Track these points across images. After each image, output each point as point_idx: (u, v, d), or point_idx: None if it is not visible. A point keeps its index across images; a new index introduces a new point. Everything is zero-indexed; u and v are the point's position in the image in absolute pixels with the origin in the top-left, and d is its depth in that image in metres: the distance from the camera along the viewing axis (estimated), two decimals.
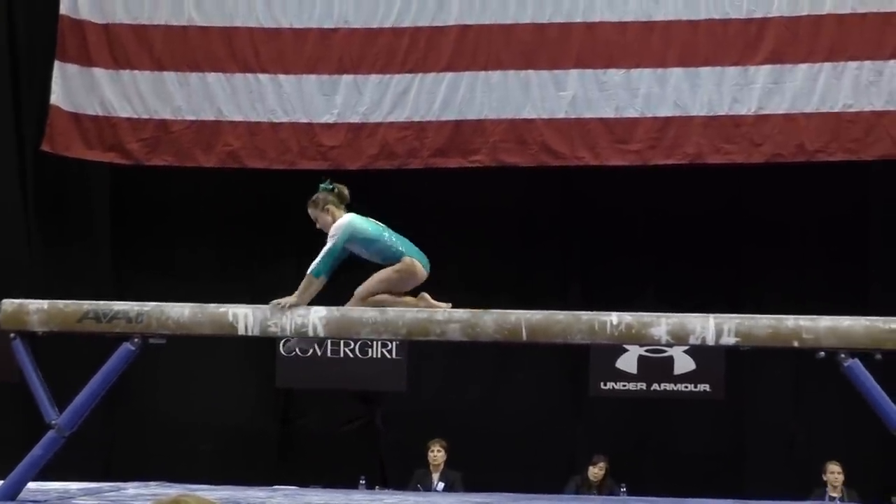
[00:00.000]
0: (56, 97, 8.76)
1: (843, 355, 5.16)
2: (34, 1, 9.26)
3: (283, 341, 5.68)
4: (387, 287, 5.39)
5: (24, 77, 9.32)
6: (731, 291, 9.21)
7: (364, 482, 8.71)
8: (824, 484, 8.57)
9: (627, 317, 5.23)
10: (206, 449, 9.36)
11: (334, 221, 5.39)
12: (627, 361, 9.30)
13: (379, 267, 5.47)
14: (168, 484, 6.77)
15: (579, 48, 8.57)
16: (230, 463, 9.19)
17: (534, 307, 5.40)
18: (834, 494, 8.51)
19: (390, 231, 5.51)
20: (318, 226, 5.50)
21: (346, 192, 5.52)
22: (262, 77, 8.76)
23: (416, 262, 5.42)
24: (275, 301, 5.33)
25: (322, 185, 5.50)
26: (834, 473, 8.50)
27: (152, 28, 8.78)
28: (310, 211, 5.50)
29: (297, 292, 5.32)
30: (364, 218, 5.49)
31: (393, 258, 5.42)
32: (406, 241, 5.50)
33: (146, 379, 8.80)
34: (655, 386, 9.33)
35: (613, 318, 5.22)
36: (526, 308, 5.37)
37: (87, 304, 5.42)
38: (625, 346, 8.95)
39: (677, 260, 9.35)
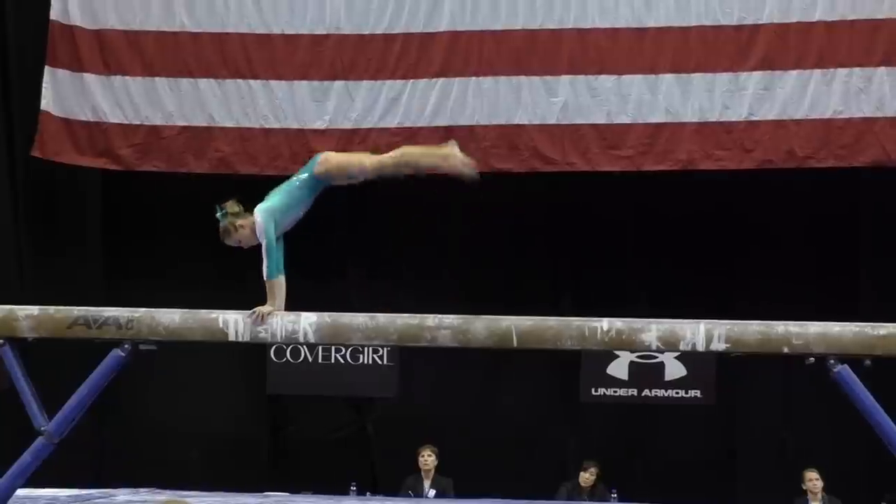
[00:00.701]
0: (47, 103, 8.75)
1: (832, 361, 5.17)
2: (24, 6, 9.25)
3: None
4: (356, 160, 5.49)
5: (15, 82, 9.31)
6: (722, 297, 9.22)
7: (355, 488, 8.70)
8: (804, 493, 8.55)
9: (618, 323, 5.23)
10: (194, 456, 9.34)
11: (251, 229, 5.37)
12: (618, 367, 9.32)
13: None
14: (158, 490, 6.76)
15: (571, 54, 8.60)
16: (221, 469, 9.17)
17: (525, 313, 5.41)
18: (815, 503, 8.50)
19: (287, 182, 5.48)
20: (244, 246, 5.47)
21: (235, 203, 5.47)
22: (254, 83, 8.77)
23: (319, 155, 5.42)
24: (251, 311, 5.33)
25: (218, 216, 5.45)
26: (812, 481, 8.49)
27: (143, 34, 8.78)
28: (227, 242, 5.47)
29: (268, 300, 5.32)
30: (267, 197, 5.45)
31: (313, 186, 5.40)
32: (296, 175, 5.48)
33: (137, 385, 8.77)
34: (646, 392, 9.34)
35: (604, 323, 5.23)
36: (517, 314, 5.38)
37: (77, 310, 5.41)
38: (616, 352, 8.96)
39: (668, 266, 9.37)
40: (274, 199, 5.43)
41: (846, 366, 5.18)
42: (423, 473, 8.88)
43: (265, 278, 5.32)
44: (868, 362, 5.21)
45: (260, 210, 5.39)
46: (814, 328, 5.20)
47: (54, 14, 8.77)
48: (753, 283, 9.36)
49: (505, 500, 7.18)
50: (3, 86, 9.28)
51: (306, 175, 5.43)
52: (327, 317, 5.37)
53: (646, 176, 8.69)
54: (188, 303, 5.62)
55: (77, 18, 8.78)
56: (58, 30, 8.77)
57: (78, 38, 8.76)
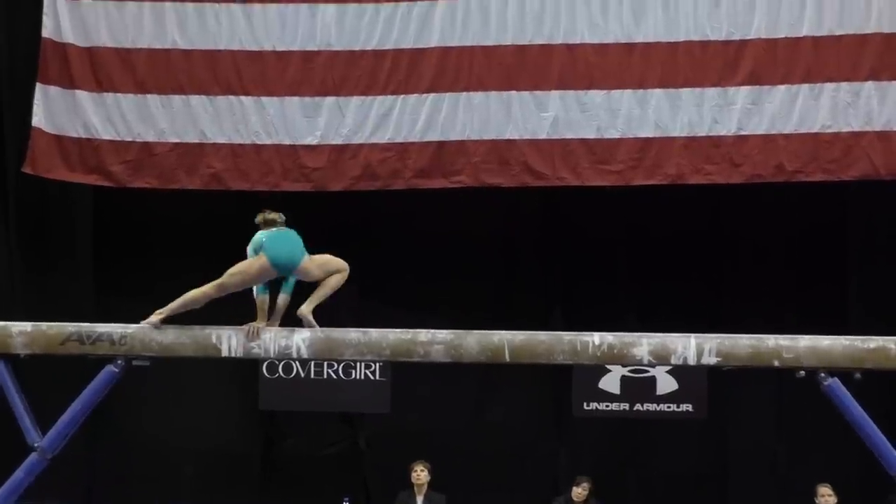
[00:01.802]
0: (38, 119, 8.75)
1: (822, 375, 5.21)
2: (16, 23, 9.27)
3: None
4: (240, 279, 5.44)
5: (6, 99, 9.32)
6: (713, 311, 9.27)
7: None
8: None
9: (609, 337, 5.26)
10: (188, 472, 9.32)
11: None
12: (610, 382, 9.33)
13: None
14: None
15: (560, 69, 8.64)
16: (213, 485, 9.16)
17: (517, 328, 5.43)
18: None
19: (283, 230, 5.55)
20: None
21: (279, 217, 5.65)
22: (246, 99, 8.79)
23: (260, 259, 5.46)
24: (244, 326, 5.39)
25: (266, 216, 5.69)
26: (825, 496, 8.49)
27: (135, 51, 8.80)
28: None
29: (258, 317, 5.42)
30: (274, 236, 5.54)
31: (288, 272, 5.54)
32: (284, 237, 5.52)
33: (129, 401, 8.77)
34: (638, 406, 9.36)
35: (595, 338, 5.26)
36: (509, 329, 5.40)
37: (70, 327, 5.42)
38: (607, 366, 8.98)
39: (659, 280, 9.41)
40: (270, 243, 5.49)
41: (836, 379, 5.22)
42: (415, 488, 8.88)
43: (254, 295, 5.39)
44: (858, 375, 5.25)
45: (255, 239, 5.51)
46: (804, 342, 5.24)
47: (46, 31, 8.78)
48: (744, 296, 9.40)
49: None
50: None
51: (291, 270, 5.48)
52: (320, 332, 5.40)
53: (635, 190, 8.73)
54: (180, 318, 5.63)
55: (69, 36, 8.80)
56: (50, 47, 8.78)
57: (70, 56, 8.78)
